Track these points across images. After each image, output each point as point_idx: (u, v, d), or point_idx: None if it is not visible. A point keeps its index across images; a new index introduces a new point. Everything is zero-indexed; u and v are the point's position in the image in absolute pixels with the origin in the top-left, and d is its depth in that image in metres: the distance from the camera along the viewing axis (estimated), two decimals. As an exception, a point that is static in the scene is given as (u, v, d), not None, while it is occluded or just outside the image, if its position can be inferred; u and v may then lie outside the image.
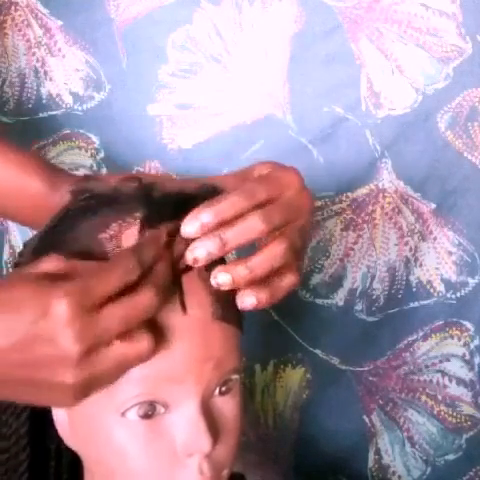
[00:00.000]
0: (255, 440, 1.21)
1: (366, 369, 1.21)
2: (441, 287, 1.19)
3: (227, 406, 0.63)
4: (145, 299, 0.56)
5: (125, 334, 0.56)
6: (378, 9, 1.10)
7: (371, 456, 1.23)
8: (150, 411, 0.60)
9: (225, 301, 0.63)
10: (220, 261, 0.65)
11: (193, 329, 0.60)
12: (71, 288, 0.53)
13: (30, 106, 1.12)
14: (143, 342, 0.57)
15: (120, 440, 0.60)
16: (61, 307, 0.52)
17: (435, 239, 1.17)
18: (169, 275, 0.59)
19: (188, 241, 0.60)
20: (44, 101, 1.12)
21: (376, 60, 1.11)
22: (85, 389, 0.55)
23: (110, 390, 0.59)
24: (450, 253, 1.18)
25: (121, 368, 0.57)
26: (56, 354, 0.53)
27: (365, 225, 1.16)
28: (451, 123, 1.13)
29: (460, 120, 1.13)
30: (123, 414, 0.60)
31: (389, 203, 1.16)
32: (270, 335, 1.18)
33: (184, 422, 0.60)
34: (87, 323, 0.53)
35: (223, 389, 0.62)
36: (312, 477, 1.20)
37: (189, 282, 0.61)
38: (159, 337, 0.58)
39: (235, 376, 0.63)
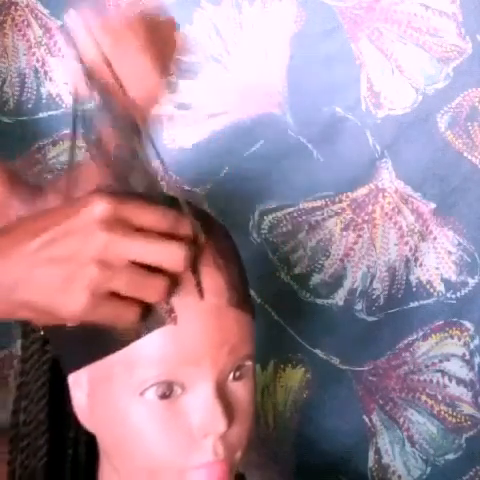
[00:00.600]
0: (255, 439, 1.21)
1: (366, 369, 1.21)
2: (441, 287, 1.19)
3: (240, 391, 0.64)
4: (177, 248, 0.57)
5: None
6: (378, 9, 1.10)
7: (371, 456, 1.23)
8: (168, 391, 0.61)
9: (239, 288, 0.64)
10: (236, 253, 0.66)
11: (210, 314, 0.61)
12: (114, 198, 0.56)
13: (30, 106, 1.12)
14: (159, 283, 0.58)
15: (138, 420, 0.61)
16: (99, 206, 0.55)
17: (435, 239, 1.18)
18: (197, 252, 0.61)
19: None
20: (44, 101, 1.12)
21: (376, 60, 1.11)
22: (97, 296, 0.56)
23: (129, 370, 0.60)
24: (450, 253, 1.18)
25: (134, 292, 0.57)
26: (82, 248, 0.55)
27: (365, 225, 1.16)
28: (451, 123, 1.13)
29: (460, 120, 1.14)
30: (141, 394, 0.60)
31: (389, 203, 1.16)
32: (270, 335, 1.18)
33: (200, 403, 0.61)
34: (118, 229, 0.55)
35: (237, 374, 0.64)
36: (312, 476, 1.20)
37: (206, 269, 0.62)
38: (178, 320, 0.60)
39: (248, 362, 0.65)
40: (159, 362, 0.60)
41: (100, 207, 0.55)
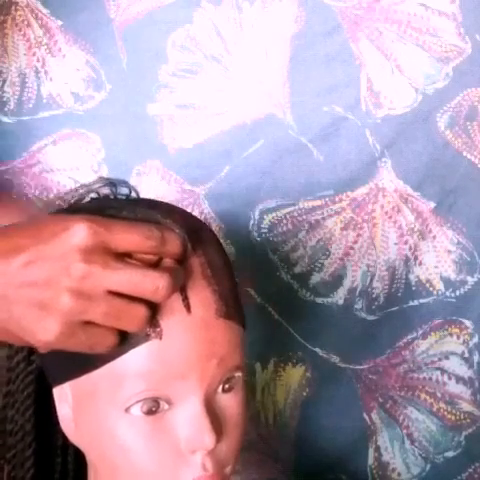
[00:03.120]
0: (255, 438, 1.21)
1: (366, 367, 1.21)
2: (440, 285, 1.19)
3: (230, 403, 0.63)
4: (158, 278, 0.56)
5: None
6: (378, 9, 1.10)
7: (371, 453, 1.24)
8: (154, 407, 0.60)
9: (228, 299, 0.63)
10: (226, 262, 0.66)
11: (197, 327, 0.60)
12: (95, 220, 0.55)
13: (30, 106, 1.12)
14: (138, 312, 0.56)
15: (124, 436, 0.60)
16: (80, 232, 0.54)
17: (434, 238, 1.18)
18: (182, 276, 0.60)
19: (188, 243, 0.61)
20: (44, 101, 1.12)
21: (376, 60, 1.11)
22: (71, 326, 0.55)
23: (114, 386, 0.60)
24: (449, 252, 1.18)
25: (111, 322, 0.56)
26: (58, 276, 0.54)
27: (365, 224, 1.16)
28: (450, 122, 1.14)
29: (459, 120, 1.14)
30: (127, 410, 0.60)
31: (389, 202, 1.16)
32: (270, 334, 1.18)
33: (188, 418, 0.60)
34: (97, 260, 0.54)
35: (226, 386, 0.63)
36: (312, 475, 1.21)
37: (193, 281, 0.61)
38: (164, 334, 0.59)
39: (238, 373, 0.64)
40: (144, 378, 0.59)
41: (81, 234, 0.54)
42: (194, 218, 0.69)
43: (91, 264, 0.54)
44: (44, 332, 0.55)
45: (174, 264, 0.59)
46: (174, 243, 0.58)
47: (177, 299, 0.60)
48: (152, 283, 0.56)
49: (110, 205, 0.64)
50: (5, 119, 1.12)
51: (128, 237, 0.56)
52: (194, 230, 0.63)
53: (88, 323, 0.55)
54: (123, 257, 0.56)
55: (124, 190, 0.70)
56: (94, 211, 0.60)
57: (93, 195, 0.69)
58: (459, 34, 1.11)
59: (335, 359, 1.20)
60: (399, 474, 1.24)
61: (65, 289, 0.54)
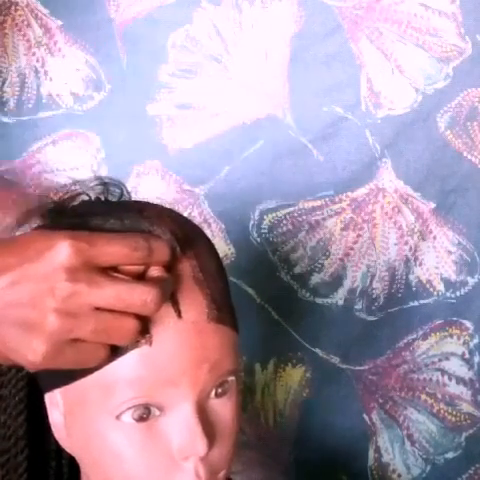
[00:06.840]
0: (255, 438, 1.21)
1: (366, 368, 1.21)
2: (441, 286, 1.19)
3: (223, 408, 0.62)
4: (146, 292, 0.55)
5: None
6: (378, 9, 1.10)
7: (371, 454, 1.23)
8: (145, 414, 0.59)
9: (221, 302, 0.62)
10: (218, 265, 0.65)
11: (188, 332, 0.59)
12: (78, 236, 0.54)
13: (30, 106, 1.12)
14: (127, 326, 0.56)
15: (115, 443, 0.59)
16: (64, 251, 0.53)
17: (435, 238, 1.18)
18: (171, 285, 0.59)
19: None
20: (44, 101, 1.12)
21: (376, 60, 1.11)
22: (58, 345, 0.54)
23: (105, 393, 0.59)
24: (450, 252, 1.18)
25: (100, 338, 0.55)
26: (44, 296, 0.53)
27: (365, 225, 1.16)
28: (451, 123, 1.14)
29: (460, 120, 1.14)
30: (118, 417, 0.59)
31: (389, 202, 1.16)
32: (270, 334, 1.18)
33: (180, 425, 0.60)
34: (83, 278, 0.53)
35: (219, 391, 0.62)
36: (312, 475, 1.21)
37: (183, 285, 0.60)
38: (154, 340, 0.58)
39: (231, 378, 0.63)
40: (134, 385, 0.58)
41: (65, 253, 0.53)
42: (185, 220, 0.68)
43: (76, 282, 0.53)
44: (31, 353, 0.54)
45: (162, 273, 0.58)
46: (162, 251, 0.57)
47: (167, 304, 0.59)
48: (140, 297, 0.55)
49: (97, 212, 0.62)
50: (5, 119, 1.12)
51: (113, 251, 0.55)
52: (185, 233, 0.62)
53: (76, 340, 0.55)
54: (109, 271, 0.55)
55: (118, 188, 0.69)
56: (80, 221, 0.59)
57: (84, 196, 0.68)
58: (459, 34, 1.11)
59: (335, 360, 1.20)
60: (399, 475, 1.24)
61: (51, 309, 0.53)
